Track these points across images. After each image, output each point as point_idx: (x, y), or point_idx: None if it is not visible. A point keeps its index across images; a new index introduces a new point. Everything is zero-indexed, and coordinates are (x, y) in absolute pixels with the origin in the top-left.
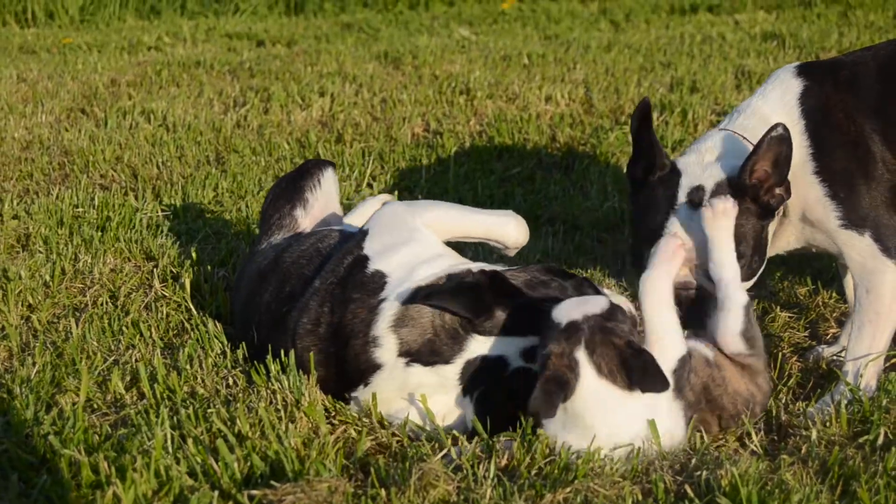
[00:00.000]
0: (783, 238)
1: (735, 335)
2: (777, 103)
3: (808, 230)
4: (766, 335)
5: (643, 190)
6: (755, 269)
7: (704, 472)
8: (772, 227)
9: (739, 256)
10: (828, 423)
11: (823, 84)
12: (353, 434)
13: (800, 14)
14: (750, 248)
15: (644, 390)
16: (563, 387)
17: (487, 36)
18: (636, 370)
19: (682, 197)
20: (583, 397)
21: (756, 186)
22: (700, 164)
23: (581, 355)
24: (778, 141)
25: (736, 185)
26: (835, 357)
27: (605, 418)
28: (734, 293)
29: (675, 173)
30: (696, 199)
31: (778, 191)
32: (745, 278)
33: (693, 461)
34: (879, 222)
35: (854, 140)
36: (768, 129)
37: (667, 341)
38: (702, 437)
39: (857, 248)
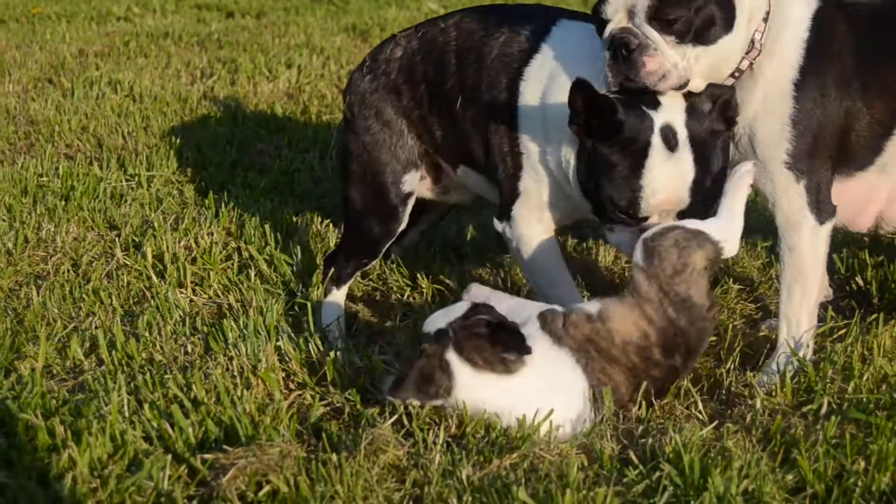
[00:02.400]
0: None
1: None
2: (798, 8)
3: (746, 148)
4: (722, 307)
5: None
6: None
7: (650, 440)
8: None
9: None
10: (773, 393)
11: (835, 16)
12: (309, 399)
13: None
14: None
15: (512, 352)
16: (430, 382)
17: (456, 8)
18: (502, 342)
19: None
20: (470, 393)
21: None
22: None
23: (452, 356)
24: None
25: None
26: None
27: (501, 403)
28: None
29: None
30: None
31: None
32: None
33: (640, 429)
34: (818, 174)
35: (837, 80)
36: None
37: (516, 309)
38: (649, 406)
39: (789, 196)
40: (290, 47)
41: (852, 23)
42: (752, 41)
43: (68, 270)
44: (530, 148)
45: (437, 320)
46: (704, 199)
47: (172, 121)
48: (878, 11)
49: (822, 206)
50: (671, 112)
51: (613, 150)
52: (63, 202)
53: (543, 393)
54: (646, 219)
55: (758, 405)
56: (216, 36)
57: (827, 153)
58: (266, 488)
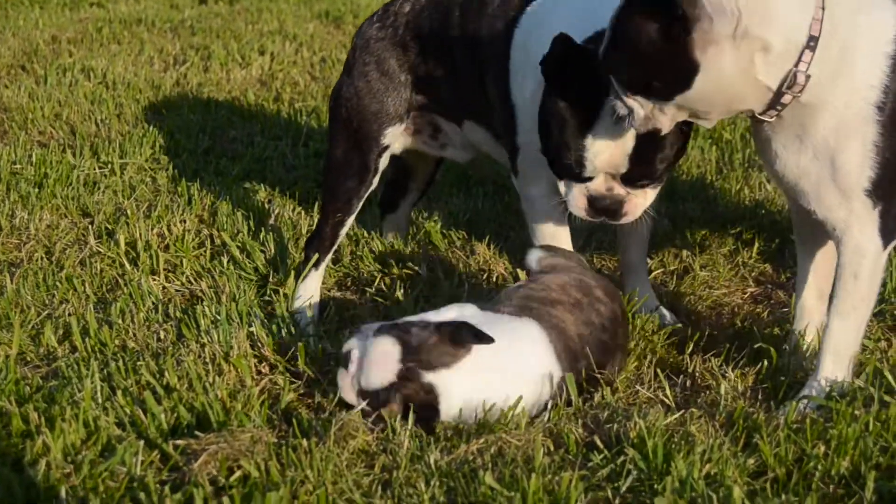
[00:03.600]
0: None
1: None
2: (882, 16)
3: (825, 180)
4: (688, 294)
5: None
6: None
7: (615, 425)
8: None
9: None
10: (737, 378)
11: None
12: (281, 383)
13: None
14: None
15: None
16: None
17: None
18: (457, 338)
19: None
20: (461, 392)
21: None
22: None
23: (429, 376)
24: None
25: None
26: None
27: (479, 380)
28: None
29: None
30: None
31: None
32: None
33: (605, 414)
34: (893, 198)
35: None
36: None
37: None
38: (613, 391)
39: (861, 223)
40: (262, 34)
41: None
42: (794, 75)
43: (42, 258)
44: (522, 97)
45: (376, 370)
46: (645, 168)
47: (145, 108)
48: None
49: (889, 231)
50: None
51: (569, 104)
52: (36, 189)
53: (507, 350)
54: (590, 179)
55: (722, 390)
56: (189, 22)
57: None
58: (237, 473)
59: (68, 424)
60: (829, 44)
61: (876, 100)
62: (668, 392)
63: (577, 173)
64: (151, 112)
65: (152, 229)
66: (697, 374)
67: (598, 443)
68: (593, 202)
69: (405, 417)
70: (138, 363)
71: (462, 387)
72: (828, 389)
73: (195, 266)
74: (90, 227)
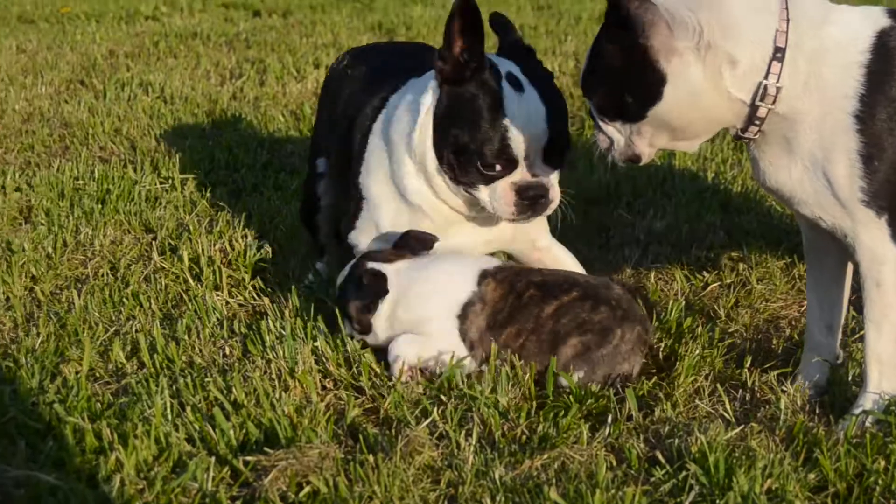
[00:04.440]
0: (787, 173)
1: None
2: (850, 25)
3: (822, 191)
4: (745, 307)
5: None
6: None
7: (676, 440)
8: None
9: None
10: (795, 392)
11: None
12: (345, 395)
13: None
14: None
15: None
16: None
17: (481, 6)
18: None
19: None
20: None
21: None
22: None
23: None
24: None
25: None
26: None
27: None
28: None
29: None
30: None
31: None
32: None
33: (666, 429)
34: None
35: None
36: None
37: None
38: (673, 405)
39: (871, 232)
40: (317, 46)
41: None
42: (765, 87)
43: (107, 274)
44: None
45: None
46: (560, 133)
47: (203, 122)
48: None
49: None
50: (508, 64)
51: (473, 104)
52: (99, 205)
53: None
54: (515, 164)
55: (782, 405)
56: (244, 35)
57: None
58: (306, 489)
59: (140, 441)
60: (795, 55)
61: (852, 109)
62: (727, 406)
63: (504, 162)
64: (209, 126)
65: (214, 245)
66: (756, 389)
67: (660, 458)
68: (522, 192)
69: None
70: (206, 379)
71: (398, 276)
72: (884, 403)
73: (257, 281)
74: (153, 242)
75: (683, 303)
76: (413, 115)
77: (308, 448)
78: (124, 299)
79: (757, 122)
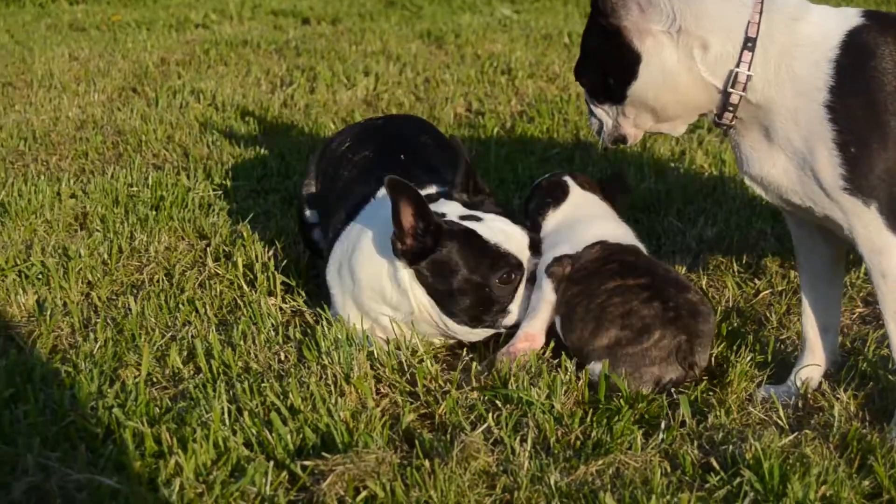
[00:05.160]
0: (776, 169)
1: None
2: (823, 24)
3: (807, 181)
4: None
5: None
6: None
7: (730, 447)
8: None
9: None
10: (848, 399)
11: (885, 32)
12: (400, 400)
13: None
14: None
15: None
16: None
17: (529, 14)
18: None
19: None
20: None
21: None
22: None
23: None
24: None
25: None
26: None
27: None
28: None
29: None
30: None
31: None
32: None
33: (720, 435)
34: (889, 193)
35: (892, 94)
36: None
37: None
38: (727, 412)
39: (864, 221)
40: (366, 54)
41: None
42: (736, 74)
43: (162, 280)
44: None
45: None
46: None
47: (254, 130)
48: None
49: None
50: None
51: (449, 254)
52: (154, 212)
53: None
54: (521, 267)
55: (836, 412)
56: (294, 43)
57: None
58: (363, 493)
59: (199, 445)
60: (766, 45)
61: (824, 100)
62: (780, 413)
63: (515, 272)
64: (261, 134)
65: (268, 251)
66: (809, 395)
67: (715, 464)
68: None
69: None
70: (263, 385)
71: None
72: None
73: (311, 287)
74: (207, 248)
75: (734, 309)
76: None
77: (365, 453)
78: (180, 305)
79: (731, 109)
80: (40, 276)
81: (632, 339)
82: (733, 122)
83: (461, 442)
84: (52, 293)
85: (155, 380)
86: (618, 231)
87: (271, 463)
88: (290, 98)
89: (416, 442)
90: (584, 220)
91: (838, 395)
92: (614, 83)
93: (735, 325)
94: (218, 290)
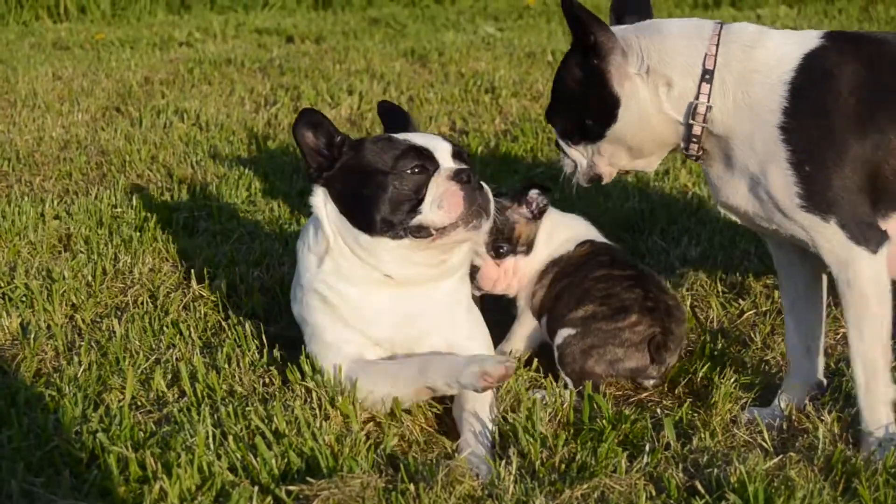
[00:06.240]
0: (732, 191)
1: None
2: (779, 49)
3: (767, 204)
4: (781, 335)
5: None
6: None
7: (715, 470)
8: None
9: None
10: (833, 421)
11: (843, 52)
12: (384, 421)
13: (821, 9)
14: None
15: None
16: None
17: (513, 32)
18: None
19: None
20: None
21: None
22: None
23: None
24: None
25: None
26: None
27: None
28: None
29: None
30: None
31: None
32: None
33: (704, 458)
34: (848, 208)
35: (850, 115)
36: None
37: None
38: (711, 434)
39: (826, 236)
40: (350, 73)
41: (867, 59)
42: (695, 107)
43: (146, 302)
44: None
45: None
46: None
47: (239, 149)
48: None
49: (867, 235)
50: None
51: (357, 155)
52: (138, 233)
53: None
54: (434, 160)
55: (820, 434)
56: (278, 62)
57: (854, 188)
58: None
59: (184, 470)
60: (724, 76)
61: (778, 122)
62: (765, 436)
63: (425, 160)
64: (245, 154)
65: (252, 273)
66: (794, 417)
67: (700, 487)
68: (458, 176)
69: None
70: (247, 408)
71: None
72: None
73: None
74: (191, 270)
75: (719, 330)
76: (315, 224)
77: (350, 477)
78: (164, 327)
79: (695, 140)
80: (24, 299)
81: (608, 315)
82: (700, 154)
83: (446, 466)
84: (35, 316)
85: (139, 403)
86: (599, 234)
87: (256, 488)
88: (275, 117)
89: (401, 466)
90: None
91: (823, 417)
92: (592, 124)
93: (720, 345)
94: (202, 312)
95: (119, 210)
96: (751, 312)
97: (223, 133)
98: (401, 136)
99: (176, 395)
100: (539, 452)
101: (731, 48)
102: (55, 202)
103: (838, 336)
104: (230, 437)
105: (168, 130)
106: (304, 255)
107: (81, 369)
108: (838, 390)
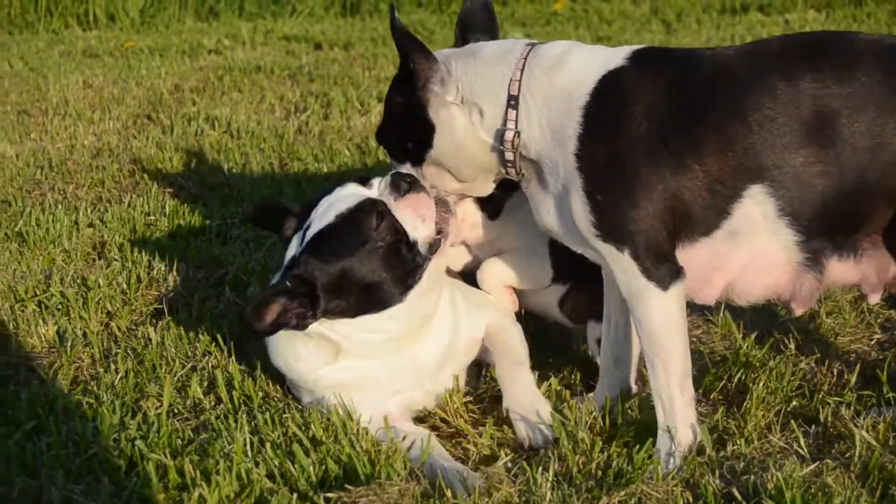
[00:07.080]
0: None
1: None
2: (578, 71)
3: (571, 228)
4: (816, 341)
5: None
6: None
7: (752, 476)
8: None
9: None
10: (869, 427)
11: (643, 73)
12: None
13: (850, 13)
14: None
15: None
16: None
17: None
18: None
19: None
20: None
21: None
22: None
23: None
24: None
25: None
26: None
27: None
28: None
29: None
30: None
31: None
32: None
33: (741, 465)
34: (643, 238)
35: (643, 140)
36: None
37: None
38: (747, 441)
39: (622, 266)
40: (380, 80)
41: (668, 80)
42: (503, 133)
43: (181, 309)
44: None
45: None
46: None
47: (270, 157)
48: (703, 65)
49: (660, 271)
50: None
51: (318, 274)
52: (171, 241)
53: None
54: (376, 203)
55: (857, 440)
56: (307, 69)
57: (648, 217)
58: None
59: (222, 477)
60: (528, 101)
61: (574, 149)
62: (801, 442)
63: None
64: (276, 161)
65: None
66: (829, 424)
67: (737, 494)
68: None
69: None
70: (284, 415)
71: None
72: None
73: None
74: (225, 277)
75: (753, 336)
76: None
77: (388, 484)
78: (199, 335)
79: (509, 165)
80: (60, 307)
81: None
82: (519, 177)
83: (484, 472)
84: (71, 323)
85: (176, 411)
86: None
87: (294, 495)
88: (305, 124)
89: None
90: None
91: (859, 423)
92: (413, 147)
93: (754, 352)
94: (237, 319)
95: (152, 217)
96: (784, 318)
97: (254, 140)
98: (324, 220)
99: (213, 402)
100: (576, 459)
101: (535, 72)
102: (89, 210)
103: (872, 342)
104: (268, 445)
105: (199, 138)
106: (295, 367)
107: (118, 377)
108: (874, 396)
